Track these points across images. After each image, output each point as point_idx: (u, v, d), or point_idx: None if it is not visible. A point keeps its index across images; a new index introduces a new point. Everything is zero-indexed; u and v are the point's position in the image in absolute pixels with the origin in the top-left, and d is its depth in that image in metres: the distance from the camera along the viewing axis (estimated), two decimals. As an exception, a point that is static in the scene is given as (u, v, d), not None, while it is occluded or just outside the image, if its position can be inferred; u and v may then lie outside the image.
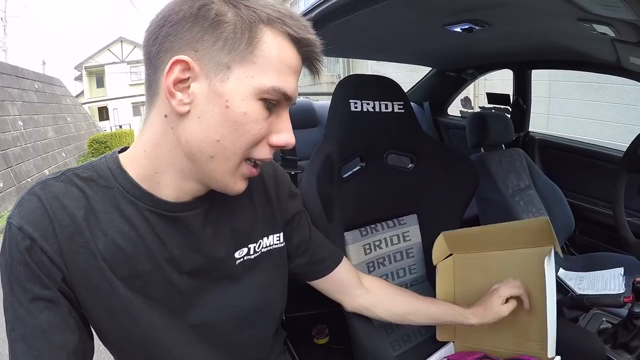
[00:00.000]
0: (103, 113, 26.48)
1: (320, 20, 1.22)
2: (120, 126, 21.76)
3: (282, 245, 0.88)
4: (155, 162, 0.67)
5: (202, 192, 0.71)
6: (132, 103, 26.84)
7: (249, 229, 0.82)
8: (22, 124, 8.24)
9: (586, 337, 1.16)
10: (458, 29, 1.54)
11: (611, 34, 1.39)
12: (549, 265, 0.96)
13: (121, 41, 27.40)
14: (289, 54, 0.63)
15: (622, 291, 1.64)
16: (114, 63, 26.83)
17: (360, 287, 1.03)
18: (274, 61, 0.61)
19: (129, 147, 0.72)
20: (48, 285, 0.63)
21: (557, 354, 0.99)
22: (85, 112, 15.09)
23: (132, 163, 0.68)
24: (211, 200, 0.74)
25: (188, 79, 0.60)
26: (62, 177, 0.66)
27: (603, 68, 2.09)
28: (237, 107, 0.60)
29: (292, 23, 0.62)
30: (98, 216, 0.66)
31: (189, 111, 0.61)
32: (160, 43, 0.60)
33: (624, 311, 1.29)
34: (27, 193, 0.65)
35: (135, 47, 27.27)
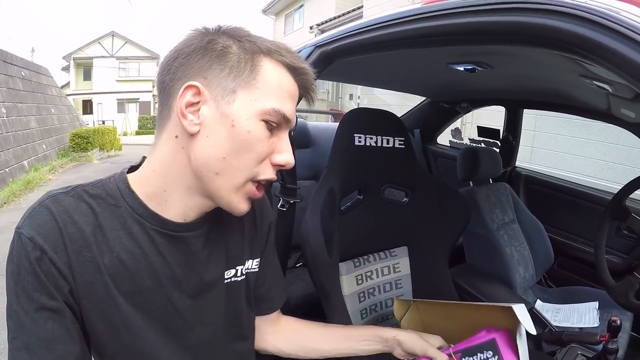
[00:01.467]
0: (87, 106, 26.15)
1: (334, 54, 1.26)
2: (103, 122, 21.44)
3: (256, 271, 0.91)
4: (164, 181, 0.71)
5: (208, 208, 0.75)
6: (118, 99, 26.60)
7: (239, 251, 0.86)
8: (5, 112, 8.09)
9: None
10: (461, 68, 1.59)
11: (609, 89, 1.46)
12: (521, 340, 1.00)
13: (112, 35, 27.16)
14: (286, 81, 0.70)
15: (596, 324, 1.75)
16: (103, 57, 26.51)
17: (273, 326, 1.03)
18: (273, 86, 0.68)
19: (136, 166, 0.76)
20: (55, 296, 0.64)
21: None
22: (70, 105, 14.84)
23: (141, 183, 0.72)
24: (210, 222, 0.78)
25: (198, 102, 0.66)
26: (72, 193, 0.69)
27: (593, 114, 2.19)
28: (242, 126, 0.66)
29: (288, 54, 0.70)
30: (105, 233, 0.69)
31: (198, 131, 0.66)
32: (173, 72, 0.67)
33: (598, 347, 1.38)
34: (38, 205, 0.67)
35: (126, 42, 26.94)
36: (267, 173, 0.71)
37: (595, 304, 1.93)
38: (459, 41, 1.08)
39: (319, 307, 1.20)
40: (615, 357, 1.27)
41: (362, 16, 11.21)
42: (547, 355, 1.43)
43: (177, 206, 0.73)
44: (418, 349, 0.94)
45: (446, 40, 1.07)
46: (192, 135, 0.67)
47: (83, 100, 26.20)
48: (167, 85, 0.68)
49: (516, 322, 0.94)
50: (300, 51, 0.80)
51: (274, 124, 0.69)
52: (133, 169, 0.76)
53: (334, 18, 12.95)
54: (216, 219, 0.79)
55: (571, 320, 1.86)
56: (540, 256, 2.20)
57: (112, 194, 0.71)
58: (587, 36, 0.72)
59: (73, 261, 0.65)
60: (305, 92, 0.75)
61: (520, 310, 0.92)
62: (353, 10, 12.35)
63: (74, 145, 11.56)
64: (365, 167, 1.36)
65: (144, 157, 0.76)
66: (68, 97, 16.38)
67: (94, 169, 10.87)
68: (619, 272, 1.63)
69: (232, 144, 0.66)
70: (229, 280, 0.84)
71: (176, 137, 0.69)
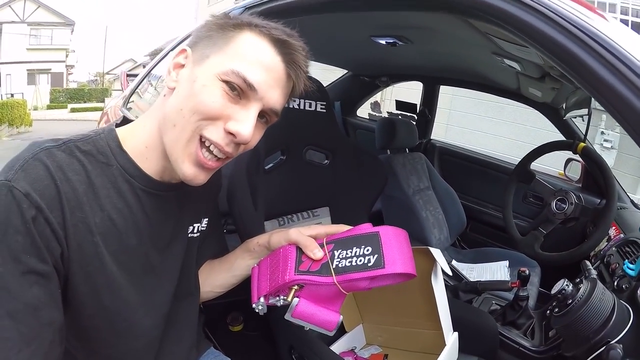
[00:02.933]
0: (-7, 78, 23.95)
1: (264, 16, 1.28)
2: (12, 95, 19.91)
3: (205, 230, 0.96)
4: (148, 136, 0.75)
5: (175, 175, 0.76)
6: (28, 70, 24.59)
7: (198, 210, 0.92)
8: None
9: (480, 316, 1.36)
10: (383, 42, 1.66)
11: (518, 68, 1.59)
12: (437, 281, 1.01)
13: None
14: (264, 52, 0.71)
15: (507, 279, 1.90)
16: (13, 22, 24.17)
17: None
18: (244, 53, 0.70)
19: (119, 123, 0.80)
20: (46, 260, 0.61)
21: (454, 330, 1.09)
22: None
23: (131, 137, 0.76)
24: (183, 182, 0.78)
25: (184, 65, 0.74)
26: (64, 147, 0.68)
27: (504, 92, 2.39)
28: (200, 82, 0.69)
29: (272, 27, 0.73)
30: (97, 191, 0.69)
31: (174, 87, 0.73)
32: None
33: (510, 295, 1.55)
34: (31, 157, 0.63)
35: (39, 6, 24.74)
36: (214, 134, 0.70)
37: (506, 263, 2.11)
38: (379, 6, 1.14)
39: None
40: (526, 304, 1.43)
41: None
42: (464, 303, 1.57)
43: (155, 164, 0.76)
44: (277, 239, 0.91)
45: (367, 3, 1.13)
46: (170, 92, 0.73)
47: (-12, 71, 23.97)
48: None
49: (432, 264, 0.99)
50: (229, 12, 0.82)
51: (236, 87, 0.69)
52: (122, 124, 0.80)
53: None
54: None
55: (484, 277, 2.01)
56: (453, 220, 2.38)
57: (103, 152, 0.72)
58: (499, 6, 0.82)
59: (67, 222, 0.64)
60: (291, 67, 0.74)
61: (436, 253, 0.96)
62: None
63: (-22, 121, 10.68)
64: (288, 128, 1.39)
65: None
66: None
67: (3, 146, 10.15)
68: (526, 232, 1.83)
69: (189, 98, 0.69)
70: (189, 236, 0.90)
71: (164, 95, 0.75)
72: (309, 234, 0.88)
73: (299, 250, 0.84)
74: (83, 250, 0.66)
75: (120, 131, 0.76)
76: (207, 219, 0.96)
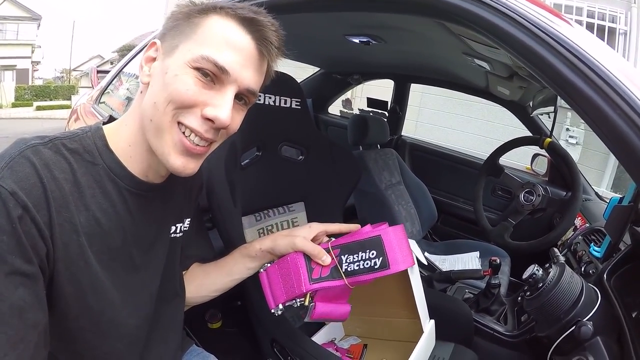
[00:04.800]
0: (-45, 74, 23.11)
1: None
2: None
3: (187, 230, 0.95)
4: (130, 135, 0.74)
5: (163, 171, 0.78)
6: (-8, 66, 23.82)
7: (180, 209, 0.91)
8: None
9: (455, 303, 1.42)
10: (356, 40, 1.68)
11: (487, 68, 1.65)
12: (413, 271, 1.05)
13: None
14: (233, 33, 0.70)
15: (480, 268, 1.98)
16: None
17: None
18: (211, 37, 0.69)
19: (106, 121, 0.79)
20: (31, 260, 0.60)
21: (431, 318, 1.14)
22: None
23: (115, 136, 0.75)
24: (166, 181, 0.82)
25: (155, 58, 0.73)
26: (50, 145, 0.66)
27: (473, 90, 2.47)
28: (171, 72, 0.68)
29: (239, 7, 0.71)
30: (82, 190, 0.67)
31: (148, 82, 0.72)
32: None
33: (482, 284, 1.62)
34: (17, 154, 0.62)
35: (4, 0, 24.05)
36: (191, 121, 0.69)
37: (477, 253, 2.18)
38: (355, 7, 1.17)
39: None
40: (498, 291, 1.49)
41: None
42: (439, 292, 1.63)
43: (139, 162, 0.75)
44: (283, 246, 0.93)
45: (343, 4, 1.16)
46: (145, 87, 0.72)
47: (-50, 69, 23.09)
48: None
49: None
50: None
51: (209, 72, 0.68)
52: (111, 120, 0.79)
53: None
54: (169, 179, 0.82)
55: (456, 268, 2.06)
56: (425, 214, 2.44)
57: (89, 150, 0.71)
58: (474, 11, 0.87)
59: (54, 221, 0.62)
60: (262, 44, 0.72)
61: (411, 243, 0.98)
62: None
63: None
64: (264, 124, 1.41)
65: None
66: None
67: (-34, 146, 9.79)
68: (496, 223, 1.90)
69: (163, 90, 0.68)
70: (171, 236, 0.89)
71: (141, 92, 0.74)
72: (312, 236, 0.94)
73: (307, 258, 0.89)
74: (68, 250, 0.65)
75: (107, 129, 0.75)
76: (189, 219, 0.95)
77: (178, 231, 0.91)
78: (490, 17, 0.85)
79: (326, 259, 0.88)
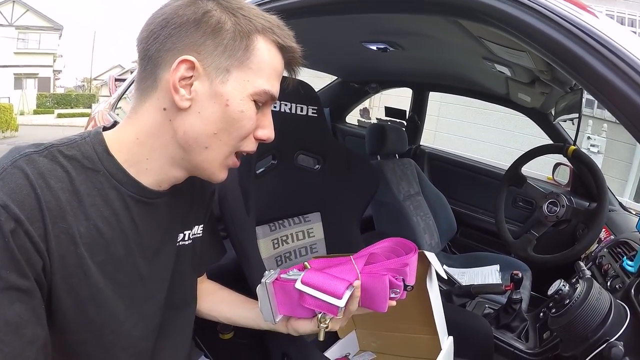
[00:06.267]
0: (-21, 82, 23.65)
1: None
2: (-1, 99, 19.72)
3: (201, 236, 0.93)
4: (148, 150, 0.71)
5: (182, 179, 0.77)
6: (15, 74, 24.38)
7: (187, 217, 0.88)
8: None
9: (475, 319, 1.36)
10: (374, 47, 1.66)
11: (508, 73, 1.61)
12: (432, 284, 1.03)
13: (13, 1, 24.52)
14: (276, 60, 0.73)
15: (499, 282, 1.91)
16: (1, 25, 23.97)
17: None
18: (265, 67, 0.70)
19: (108, 127, 0.75)
20: (26, 275, 0.58)
21: (449, 335, 1.10)
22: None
23: (121, 148, 0.71)
24: (172, 188, 0.79)
25: (191, 77, 0.66)
26: (46, 152, 0.64)
27: (493, 98, 2.41)
28: (235, 106, 0.68)
29: (280, 32, 0.72)
30: (81, 199, 0.65)
31: (189, 106, 0.67)
32: (161, 42, 0.66)
33: (503, 299, 1.56)
34: (10, 164, 0.60)
35: (27, 10, 24.55)
36: (250, 146, 0.75)
37: (497, 267, 2.12)
38: (374, 9, 1.14)
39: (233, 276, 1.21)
40: (520, 307, 1.44)
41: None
42: (458, 307, 1.57)
43: (157, 174, 0.73)
44: None
45: (362, 6, 1.13)
46: (182, 109, 0.67)
47: (-26, 75, 23.66)
48: (153, 55, 0.68)
49: (427, 268, 1.00)
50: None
51: (261, 103, 0.72)
52: (107, 127, 0.75)
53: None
54: (175, 186, 0.80)
55: (476, 281, 2.01)
56: (444, 226, 2.39)
57: (88, 157, 0.68)
58: (495, 5, 0.84)
59: (49, 233, 0.60)
60: (289, 68, 0.79)
61: (431, 256, 0.98)
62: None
63: (-37, 127, 10.58)
64: (279, 132, 1.34)
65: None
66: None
67: (-11, 151, 10.09)
68: (518, 236, 1.85)
69: (224, 121, 0.68)
70: (178, 244, 0.86)
71: (164, 109, 0.69)
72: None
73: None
74: (66, 262, 0.63)
75: (108, 135, 0.72)
76: (201, 226, 0.93)
77: (186, 239, 0.88)
78: (514, 12, 0.82)
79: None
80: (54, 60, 27.79)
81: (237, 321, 1.01)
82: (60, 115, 22.03)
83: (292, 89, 1.43)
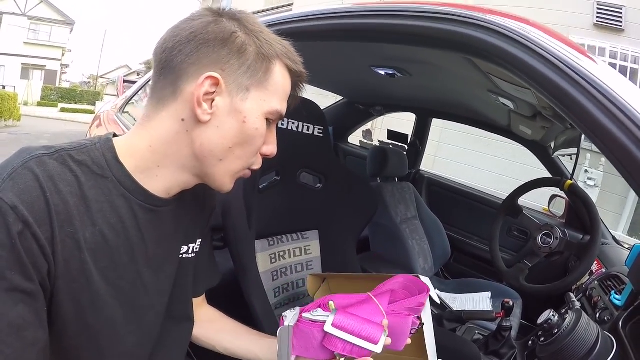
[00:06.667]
0: (-14, 68, 23.52)
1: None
2: (4, 87, 19.63)
3: (199, 250, 0.92)
4: (160, 158, 0.72)
5: (191, 185, 0.78)
6: (23, 64, 24.38)
7: (192, 229, 0.89)
8: None
9: (464, 344, 1.39)
10: (382, 72, 1.70)
11: (511, 106, 1.64)
12: (425, 309, 0.99)
13: None
14: (287, 83, 0.77)
15: (490, 309, 1.92)
16: (13, 14, 23.86)
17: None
18: (279, 88, 0.75)
19: (117, 135, 0.75)
20: (32, 277, 0.58)
21: (439, 359, 1.09)
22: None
23: (132, 155, 0.71)
24: (178, 197, 0.79)
25: (214, 92, 0.68)
26: (56, 156, 0.64)
27: (495, 128, 2.46)
28: (252, 123, 0.72)
29: (293, 58, 0.77)
30: (89, 205, 0.65)
31: (209, 120, 0.69)
32: (187, 55, 0.68)
33: (492, 326, 1.59)
34: (20, 165, 0.60)
35: (41, 1, 24.49)
36: (259, 163, 0.79)
37: (488, 294, 2.14)
38: (378, 39, 1.18)
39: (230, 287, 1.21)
40: (509, 334, 1.46)
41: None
42: (448, 331, 1.60)
43: (167, 181, 0.74)
44: None
45: (369, 37, 1.17)
46: (201, 122, 0.69)
47: (-17, 61, 23.60)
48: (176, 66, 0.69)
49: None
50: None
51: (272, 121, 0.76)
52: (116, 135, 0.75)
53: (263, 11, 12.90)
54: (182, 196, 0.80)
55: (467, 307, 2.03)
56: (438, 250, 2.43)
57: (98, 163, 0.68)
58: (506, 49, 0.89)
59: (56, 237, 0.60)
60: (297, 88, 0.83)
61: (426, 280, 0.97)
62: (283, 6, 12.39)
63: (-32, 111, 10.54)
64: (285, 149, 1.37)
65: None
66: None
67: (-10, 138, 10.09)
68: (511, 265, 1.88)
69: (240, 137, 0.72)
70: (182, 256, 0.86)
71: (182, 120, 0.70)
72: None
73: None
74: (69, 267, 0.63)
75: (118, 142, 0.72)
76: (200, 240, 0.92)
77: (190, 252, 0.88)
78: (521, 55, 0.86)
79: None
80: (63, 54, 27.83)
81: (236, 353, 0.97)
82: (63, 110, 21.94)
83: (300, 109, 1.47)
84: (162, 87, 0.71)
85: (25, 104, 21.21)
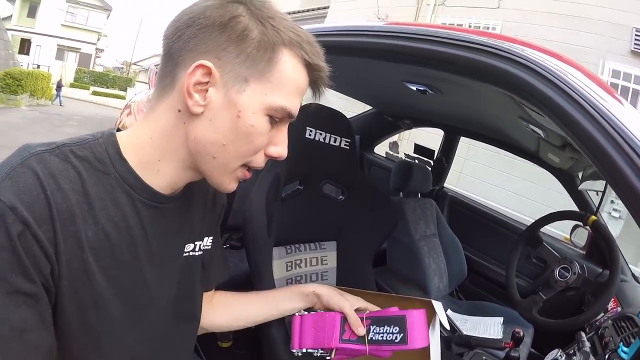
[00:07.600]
0: (25, 46, 24.34)
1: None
2: (39, 66, 20.14)
3: (209, 249, 0.91)
4: (161, 151, 0.69)
5: (195, 179, 0.75)
6: (58, 45, 25.06)
7: (199, 227, 0.86)
8: None
9: None
10: (414, 88, 1.70)
11: (541, 134, 1.63)
12: (434, 333, 1.04)
13: None
14: (300, 77, 0.69)
15: (500, 337, 1.91)
16: None
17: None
18: (286, 82, 0.67)
19: (120, 129, 0.72)
20: (33, 279, 0.56)
21: None
22: (7, 40, 13.83)
23: (134, 149, 0.68)
24: (183, 193, 0.77)
25: (207, 82, 0.64)
26: (58, 152, 0.62)
27: (522, 152, 2.43)
28: (247, 119, 0.65)
29: (309, 49, 0.68)
30: (91, 202, 0.62)
31: (202, 112, 0.65)
32: (185, 41, 0.64)
33: (501, 354, 1.57)
34: (19, 164, 0.58)
35: None
36: (259, 162, 0.71)
37: (500, 319, 2.11)
38: (412, 62, 1.18)
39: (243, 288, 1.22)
40: (516, 365, 1.45)
41: (326, 16, 11.35)
42: (456, 355, 1.59)
43: (169, 176, 0.71)
44: (334, 303, 1.02)
45: (402, 58, 1.18)
46: (195, 115, 0.65)
47: (22, 39, 24.33)
48: (174, 53, 0.65)
49: (432, 316, 1.04)
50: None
51: (277, 119, 0.69)
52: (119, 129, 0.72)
53: (298, 12, 12.98)
54: (186, 192, 0.78)
55: (477, 331, 2.01)
56: (454, 270, 2.41)
57: (100, 159, 0.65)
58: (538, 87, 0.89)
59: (58, 237, 0.58)
60: (314, 87, 0.74)
61: (437, 306, 1.03)
62: (319, 8, 12.44)
63: (3, 86, 11.01)
64: (311, 159, 1.42)
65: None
66: (7, 31, 15.24)
67: (21, 115, 10.38)
68: (525, 294, 1.85)
69: (234, 133, 0.66)
70: (187, 254, 0.83)
71: (179, 111, 0.67)
72: (357, 307, 1.02)
73: (344, 320, 1.01)
74: (71, 266, 0.61)
75: (121, 136, 0.70)
76: (211, 238, 0.91)
77: (197, 249, 0.85)
78: (556, 98, 0.86)
79: (361, 330, 0.97)
80: (98, 39, 28.51)
81: (259, 321, 1.06)
82: (94, 93, 22.44)
83: (328, 120, 1.48)
84: (164, 76, 0.68)
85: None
